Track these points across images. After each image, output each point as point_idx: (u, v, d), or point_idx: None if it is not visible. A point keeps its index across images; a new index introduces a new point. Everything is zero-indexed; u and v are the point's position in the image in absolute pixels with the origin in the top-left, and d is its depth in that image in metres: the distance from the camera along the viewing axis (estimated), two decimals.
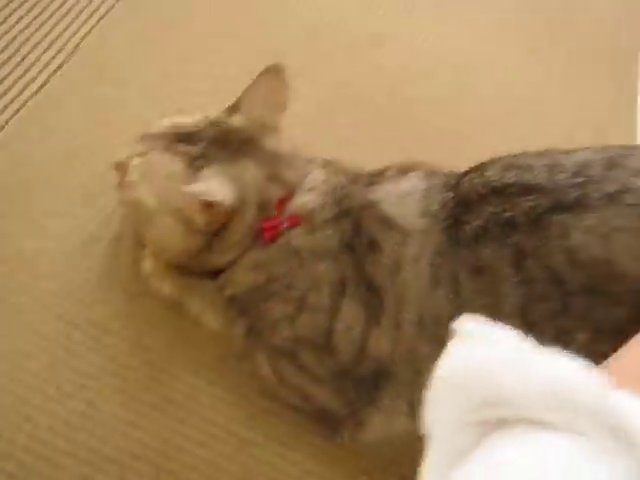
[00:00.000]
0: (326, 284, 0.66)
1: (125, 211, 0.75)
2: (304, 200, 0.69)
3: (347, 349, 0.67)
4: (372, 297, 0.65)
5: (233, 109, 0.74)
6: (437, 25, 1.20)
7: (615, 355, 0.44)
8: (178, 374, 0.73)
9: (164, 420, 0.70)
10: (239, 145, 0.70)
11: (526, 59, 1.25)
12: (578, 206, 0.58)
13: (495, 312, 0.60)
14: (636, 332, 0.49)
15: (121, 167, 0.71)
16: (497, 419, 0.36)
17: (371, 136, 1.00)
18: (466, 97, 1.14)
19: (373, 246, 0.65)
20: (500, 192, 0.63)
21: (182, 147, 0.68)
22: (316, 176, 0.71)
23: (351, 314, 0.66)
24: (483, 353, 0.38)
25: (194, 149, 0.68)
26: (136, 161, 0.70)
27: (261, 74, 0.74)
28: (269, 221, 0.67)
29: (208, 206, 0.64)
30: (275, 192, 0.69)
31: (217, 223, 0.66)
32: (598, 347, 0.57)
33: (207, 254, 0.69)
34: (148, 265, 0.75)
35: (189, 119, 0.72)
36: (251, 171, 0.68)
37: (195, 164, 0.67)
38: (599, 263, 0.56)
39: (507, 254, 0.59)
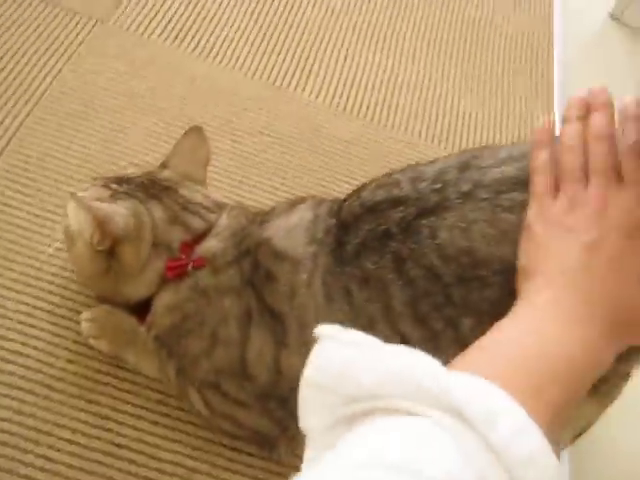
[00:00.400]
0: (232, 318, 0.74)
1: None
2: (209, 245, 0.77)
3: (262, 373, 0.74)
4: (275, 323, 0.73)
5: (163, 165, 0.85)
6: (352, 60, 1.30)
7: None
8: (124, 420, 0.80)
9: (115, 464, 0.78)
10: (157, 192, 0.80)
11: (451, 86, 1.34)
12: (440, 208, 0.66)
13: (387, 314, 0.67)
14: (508, 307, 0.55)
15: None
16: (362, 411, 0.41)
17: (293, 180, 1.09)
18: (389, 130, 1.24)
19: (270, 278, 0.73)
20: (373, 210, 0.70)
21: (114, 186, 0.79)
22: (222, 221, 0.80)
23: (259, 341, 0.74)
24: (344, 353, 0.43)
25: (122, 188, 0.79)
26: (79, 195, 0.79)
27: (184, 135, 0.87)
28: (172, 262, 0.76)
29: (100, 223, 0.73)
30: (178, 235, 0.77)
31: (106, 242, 0.75)
32: (484, 328, 0.64)
33: (115, 283, 0.78)
34: (86, 327, 0.83)
35: (135, 170, 0.85)
36: (155, 213, 0.77)
37: (116, 196, 0.78)
38: (464, 254, 0.64)
39: (387, 262, 0.67)
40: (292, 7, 1.34)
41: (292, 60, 1.26)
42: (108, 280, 0.78)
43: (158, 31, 1.21)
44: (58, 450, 0.77)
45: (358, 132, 1.20)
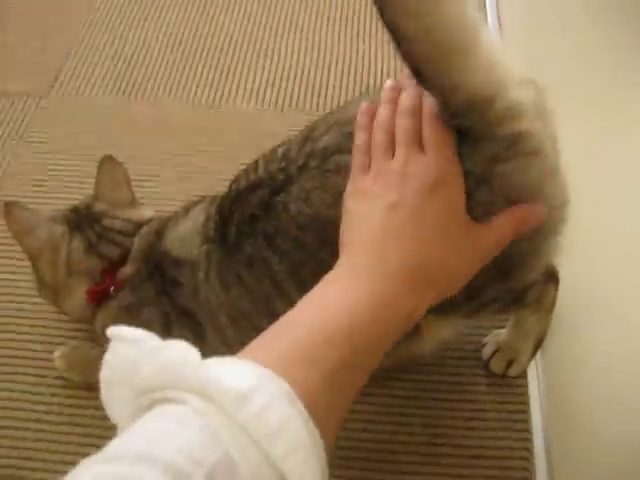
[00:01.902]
0: (155, 323, 0.83)
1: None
2: (126, 269, 0.87)
3: None
4: (190, 320, 0.82)
5: (95, 197, 0.94)
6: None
7: None
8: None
9: None
10: (84, 222, 0.91)
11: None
12: (286, 184, 0.72)
13: (277, 288, 0.74)
14: None
15: None
16: (151, 403, 0.44)
17: None
18: None
19: (176, 283, 0.83)
20: (238, 198, 0.77)
21: (68, 213, 0.92)
22: (135, 245, 0.89)
23: (181, 337, 0.82)
24: (129, 351, 0.47)
25: (70, 215, 0.92)
26: None
27: (98, 166, 0.94)
28: (92, 288, 0.87)
29: (16, 234, 0.89)
30: (95, 264, 0.88)
31: (27, 254, 0.90)
32: None
33: (61, 307, 0.92)
34: (58, 363, 0.95)
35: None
36: (73, 243, 0.89)
37: (58, 219, 0.91)
38: (314, 220, 0.69)
39: (261, 242, 0.73)
40: (204, 28, 1.46)
41: (214, 76, 1.36)
42: (58, 304, 0.91)
43: (95, 90, 1.35)
44: (55, 472, 0.89)
45: (293, 123, 1.26)
